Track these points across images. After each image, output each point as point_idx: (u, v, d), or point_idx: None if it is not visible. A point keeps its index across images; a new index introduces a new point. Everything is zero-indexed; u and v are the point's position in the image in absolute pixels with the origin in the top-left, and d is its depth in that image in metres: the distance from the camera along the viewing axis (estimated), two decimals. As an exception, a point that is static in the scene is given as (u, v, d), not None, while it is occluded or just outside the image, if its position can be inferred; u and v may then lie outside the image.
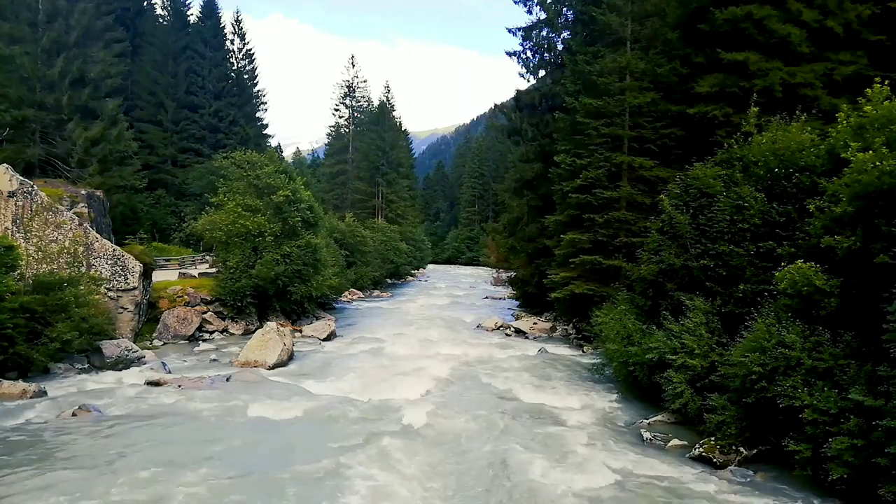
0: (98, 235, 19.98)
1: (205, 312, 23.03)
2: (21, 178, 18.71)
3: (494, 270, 48.59)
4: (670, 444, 11.30)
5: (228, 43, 50.24)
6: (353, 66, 70.48)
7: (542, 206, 27.09)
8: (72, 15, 29.58)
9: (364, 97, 71.42)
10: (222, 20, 49.60)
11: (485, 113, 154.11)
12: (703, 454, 10.43)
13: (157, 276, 23.83)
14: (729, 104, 17.18)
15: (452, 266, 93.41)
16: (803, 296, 9.95)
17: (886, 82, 10.40)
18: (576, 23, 28.13)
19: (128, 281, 19.69)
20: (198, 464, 9.63)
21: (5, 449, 10.08)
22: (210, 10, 48.66)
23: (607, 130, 21.07)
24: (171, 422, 11.86)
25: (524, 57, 30.45)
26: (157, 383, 14.71)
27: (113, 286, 19.44)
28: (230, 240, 24.23)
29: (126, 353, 16.97)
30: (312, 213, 26.97)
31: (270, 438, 11.13)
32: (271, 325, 19.06)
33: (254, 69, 52.54)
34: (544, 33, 30.14)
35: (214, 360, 18.47)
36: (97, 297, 17.91)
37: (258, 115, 52.82)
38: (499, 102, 36.27)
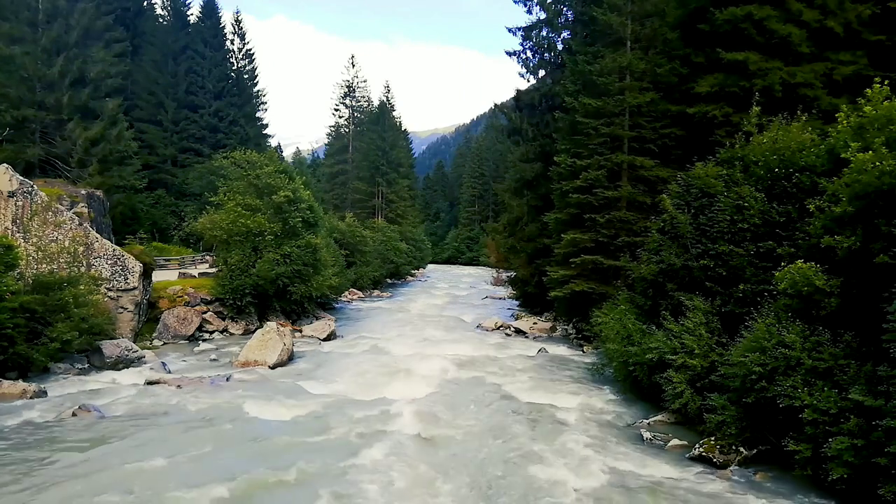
0: (98, 235, 19.99)
1: (205, 312, 23.03)
2: (21, 178, 18.71)
3: (494, 270, 48.54)
4: (670, 444, 11.30)
5: (228, 43, 50.24)
6: (353, 66, 70.60)
7: (542, 205, 27.07)
8: (72, 15, 29.54)
9: (364, 97, 71.53)
10: (222, 20, 49.65)
11: (485, 113, 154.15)
12: (703, 454, 10.43)
13: (157, 276, 23.83)
14: (729, 104, 17.18)
15: (452, 266, 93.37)
16: (803, 296, 9.95)
17: (886, 82, 10.39)
18: (576, 23, 28.12)
19: (128, 281, 19.69)
20: (198, 464, 9.64)
21: (5, 449, 10.07)
22: (210, 10, 48.63)
23: (607, 130, 21.07)
24: (171, 422, 11.87)
25: (524, 57, 30.45)
26: (157, 383, 14.72)
27: (113, 286, 19.45)
28: (230, 239, 24.25)
29: (126, 353, 16.98)
30: (312, 214, 26.98)
31: (271, 438, 11.12)
32: (271, 324, 19.06)
33: (254, 69, 52.57)
34: (544, 33, 30.13)
35: (214, 360, 18.47)
36: (97, 297, 17.92)
37: (258, 115, 52.83)
38: (499, 102, 36.23)
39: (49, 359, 15.11)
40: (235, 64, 50.62)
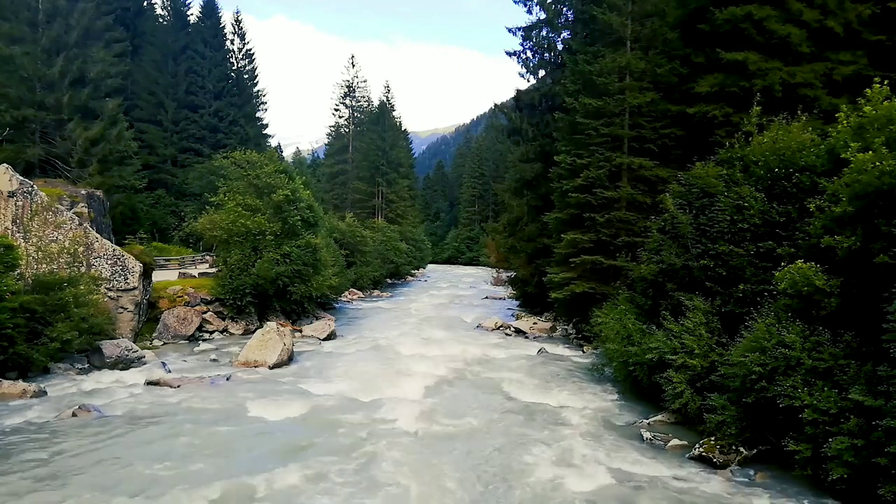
0: (98, 235, 19.99)
1: (205, 312, 23.03)
2: (21, 178, 18.71)
3: (494, 270, 48.54)
4: (670, 444, 11.30)
5: (228, 43, 50.21)
6: (353, 66, 70.63)
7: (542, 205, 27.08)
8: (72, 15, 29.52)
9: (364, 97, 71.56)
10: (222, 20, 49.63)
11: (485, 113, 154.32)
12: (703, 454, 10.43)
13: (157, 276, 23.83)
14: (729, 104, 17.18)
15: (452, 266, 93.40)
16: (803, 296, 9.95)
17: (886, 82, 10.40)
18: (576, 23, 28.13)
19: (128, 281, 19.69)
20: (197, 464, 9.64)
21: (5, 449, 10.08)
22: (210, 10, 48.61)
23: (607, 130, 21.07)
24: (170, 422, 11.86)
25: (524, 57, 30.47)
26: (157, 383, 14.71)
27: (113, 286, 19.45)
28: (231, 239, 24.25)
29: (126, 353, 16.97)
30: (312, 213, 26.99)
31: (271, 438, 11.13)
32: (271, 324, 19.05)
33: (254, 69, 52.56)
34: (544, 33, 30.14)
35: (214, 359, 18.47)
36: (97, 296, 17.91)
37: (258, 115, 52.80)
38: (499, 102, 36.27)
39: (49, 359, 15.10)
40: (235, 64, 50.61)
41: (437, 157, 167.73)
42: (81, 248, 18.92)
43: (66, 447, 10.23)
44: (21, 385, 13.39)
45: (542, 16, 29.79)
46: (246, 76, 51.70)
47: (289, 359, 18.23)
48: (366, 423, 12.20)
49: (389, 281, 54.48)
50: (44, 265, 17.62)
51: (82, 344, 16.09)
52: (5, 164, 18.83)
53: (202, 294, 23.55)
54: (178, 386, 14.54)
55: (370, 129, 66.61)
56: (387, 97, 70.95)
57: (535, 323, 26.88)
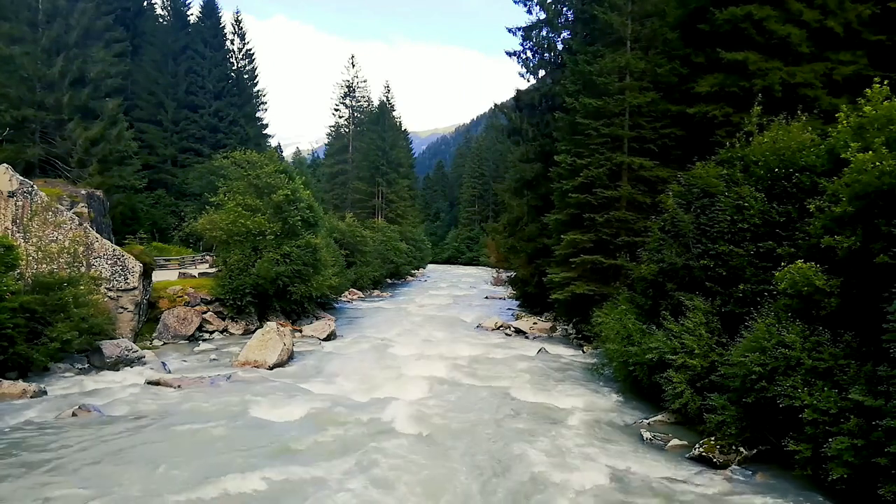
0: (98, 235, 19.99)
1: (205, 312, 23.03)
2: (21, 178, 18.70)
3: (494, 270, 48.55)
4: (670, 444, 11.30)
5: (228, 43, 50.23)
6: (353, 65, 70.66)
7: (542, 205, 27.09)
8: (72, 15, 29.52)
9: (364, 97, 71.58)
10: (222, 20, 49.65)
11: (485, 113, 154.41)
12: (703, 454, 10.43)
13: (157, 276, 23.83)
14: (729, 104, 17.18)
15: (452, 266, 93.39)
16: (803, 296, 9.95)
17: (886, 82, 10.39)
18: (576, 22, 28.12)
19: (128, 281, 19.69)
20: (197, 464, 9.63)
21: (5, 449, 10.07)
22: (210, 10, 48.62)
23: (607, 130, 21.06)
24: (170, 422, 11.87)
25: (524, 57, 30.45)
26: (157, 383, 14.72)
27: (113, 286, 19.45)
28: (230, 239, 24.26)
29: (126, 353, 16.97)
30: (312, 213, 27.01)
31: (271, 438, 11.12)
32: (271, 324, 19.06)
33: (254, 69, 52.57)
34: (544, 33, 30.12)
35: (214, 359, 18.48)
36: (97, 297, 17.92)
37: (258, 115, 52.81)
38: (499, 102, 36.25)
39: (49, 359, 15.09)
40: (235, 64, 50.61)
41: (437, 157, 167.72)
42: (81, 248, 18.92)
43: (66, 447, 10.23)
44: (21, 385, 13.39)
45: (542, 16, 29.78)
46: (246, 76, 51.71)
47: (289, 359, 18.24)
48: (366, 422, 12.20)
49: (389, 281, 54.49)
50: (44, 265, 17.61)
51: (82, 344, 16.09)
52: (5, 164, 18.83)
53: (202, 294, 23.55)
54: (179, 386, 14.55)
55: (370, 129, 66.64)
56: (387, 97, 71.04)
57: (535, 323, 26.88)
